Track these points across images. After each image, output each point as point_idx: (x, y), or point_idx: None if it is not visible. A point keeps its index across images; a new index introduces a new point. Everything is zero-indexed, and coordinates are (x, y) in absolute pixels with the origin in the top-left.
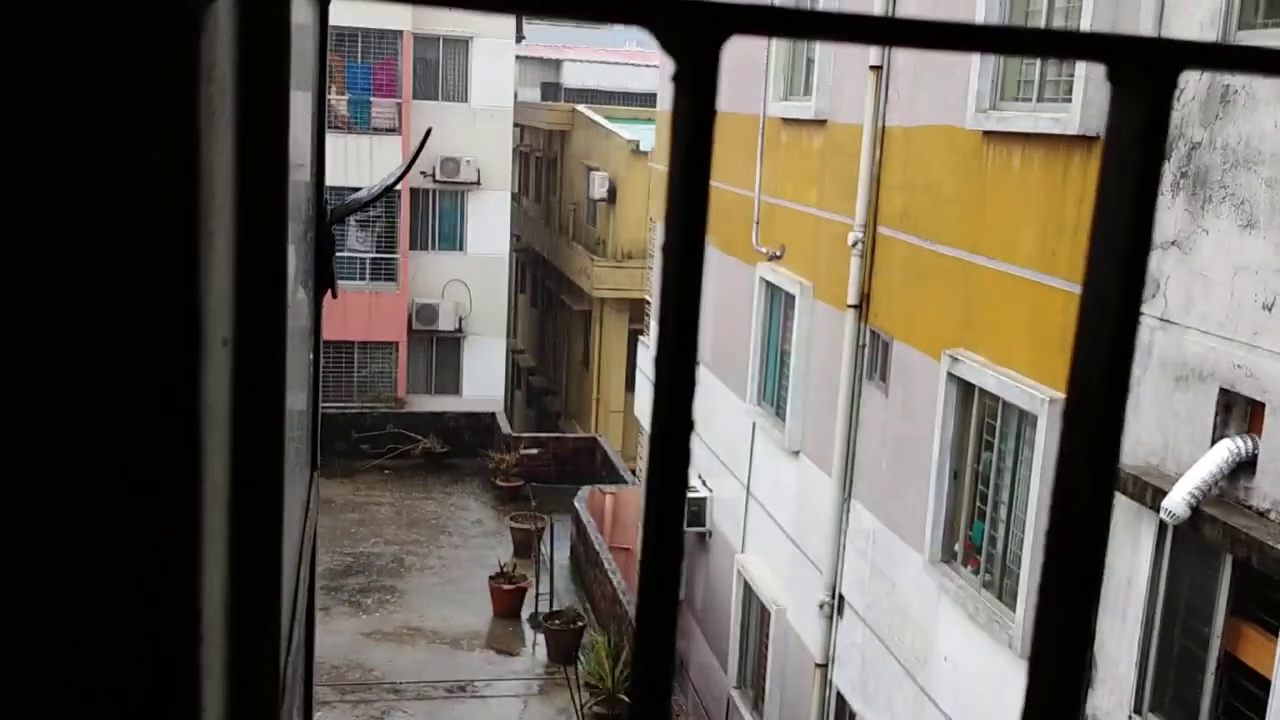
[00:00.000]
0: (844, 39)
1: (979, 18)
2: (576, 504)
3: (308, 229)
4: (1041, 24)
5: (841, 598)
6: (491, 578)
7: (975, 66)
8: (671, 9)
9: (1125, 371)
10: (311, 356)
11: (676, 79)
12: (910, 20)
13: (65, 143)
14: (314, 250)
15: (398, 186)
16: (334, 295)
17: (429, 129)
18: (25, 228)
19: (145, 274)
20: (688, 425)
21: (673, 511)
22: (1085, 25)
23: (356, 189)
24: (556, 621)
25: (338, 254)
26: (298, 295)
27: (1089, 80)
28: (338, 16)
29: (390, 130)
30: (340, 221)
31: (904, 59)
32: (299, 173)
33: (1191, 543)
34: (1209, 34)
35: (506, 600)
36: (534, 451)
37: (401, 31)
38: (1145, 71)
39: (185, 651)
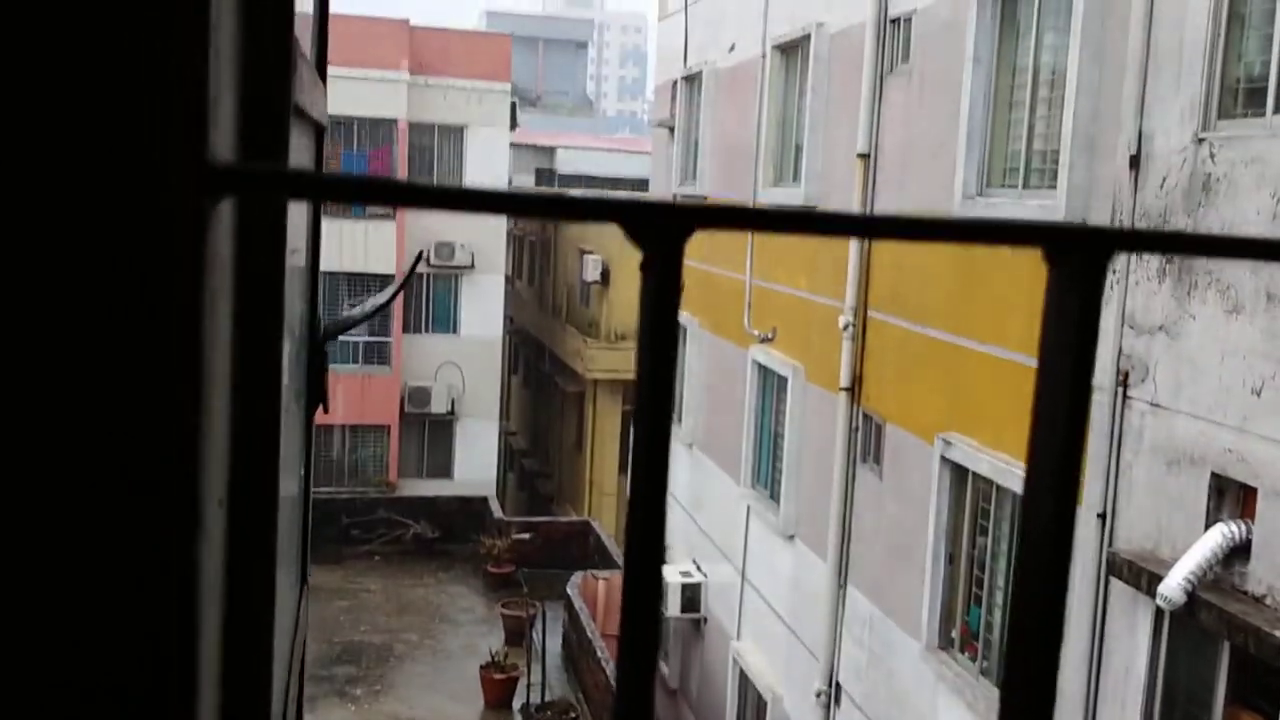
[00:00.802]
0: (797, 232)
1: (963, 114)
2: (569, 590)
3: (300, 349)
4: (1024, 119)
5: (839, 686)
6: (482, 667)
7: (961, 154)
8: (641, 210)
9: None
10: (302, 472)
11: (644, 267)
12: (857, 215)
13: (71, 334)
14: (307, 369)
15: (391, 284)
16: (325, 410)
17: (420, 251)
18: (26, 406)
19: (147, 445)
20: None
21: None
22: (1068, 119)
23: (352, 274)
24: (549, 712)
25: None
26: (289, 414)
27: (1074, 167)
28: (334, 105)
29: (385, 217)
30: (333, 339)
31: (891, 146)
32: (293, 298)
33: (1188, 629)
34: (1189, 124)
35: (498, 690)
36: (526, 536)
37: (397, 120)
38: (1079, 255)
39: None
